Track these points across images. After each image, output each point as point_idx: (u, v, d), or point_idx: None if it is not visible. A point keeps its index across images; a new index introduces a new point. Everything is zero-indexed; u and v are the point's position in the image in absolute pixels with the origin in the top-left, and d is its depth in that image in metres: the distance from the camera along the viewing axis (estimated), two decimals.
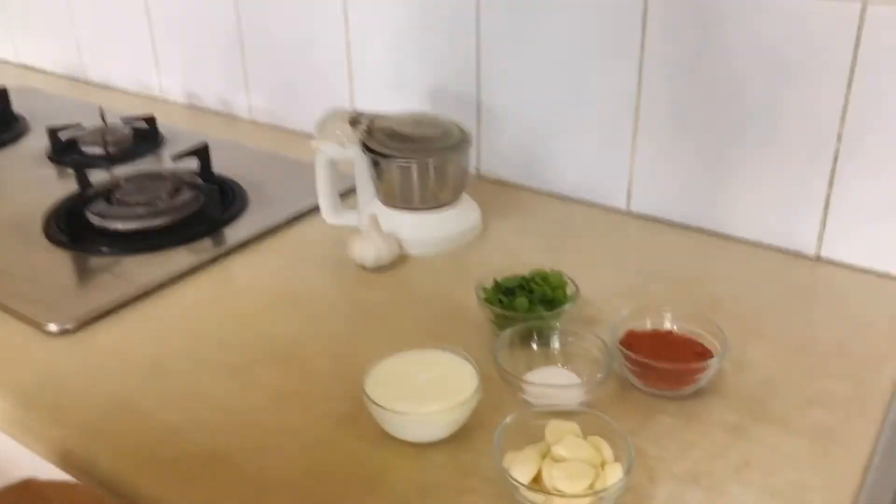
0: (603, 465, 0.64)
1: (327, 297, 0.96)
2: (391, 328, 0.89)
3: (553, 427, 0.67)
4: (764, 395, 0.77)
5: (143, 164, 1.32)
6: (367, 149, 1.03)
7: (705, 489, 0.66)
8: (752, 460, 0.69)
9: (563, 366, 0.79)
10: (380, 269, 1.00)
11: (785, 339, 0.86)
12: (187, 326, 0.90)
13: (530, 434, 0.68)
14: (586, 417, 0.68)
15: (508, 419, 0.67)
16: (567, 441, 0.64)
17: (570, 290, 0.86)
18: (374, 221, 0.99)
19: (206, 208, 1.11)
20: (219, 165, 1.24)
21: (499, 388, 0.76)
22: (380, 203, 1.06)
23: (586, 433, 0.67)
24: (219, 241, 1.07)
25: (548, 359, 0.80)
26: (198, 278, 1.00)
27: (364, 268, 0.99)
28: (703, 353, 0.78)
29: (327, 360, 0.84)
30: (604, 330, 0.82)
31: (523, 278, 0.87)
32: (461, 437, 0.72)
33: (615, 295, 0.94)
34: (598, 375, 0.73)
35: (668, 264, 1.01)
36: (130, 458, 0.72)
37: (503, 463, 0.64)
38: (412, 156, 1.01)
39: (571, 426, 0.66)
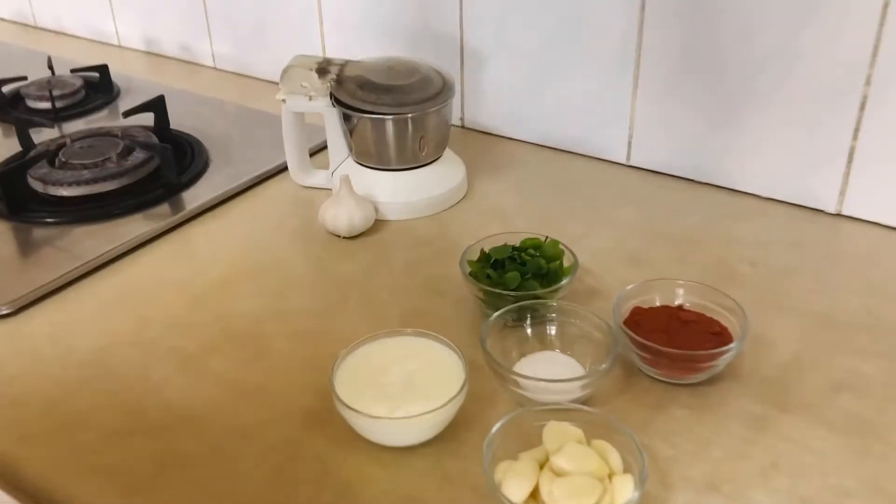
0: (611, 476, 0.55)
1: (295, 270, 0.85)
2: (366, 306, 0.79)
3: (552, 431, 0.58)
4: (788, 379, 0.68)
5: (95, 121, 1.20)
6: (336, 101, 0.92)
7: (727, 497, 0.58)
8: (779, 460, 0.61)
9: (561, 350, 0.70)
10: (354, 236, 0.89)
11: (807, 311, 0.76)
12: (138, 307, 0.80)
13: (526, 436, 0.59)
14: (589, 417, 0.59)
15: (498, 426, 0.58)
16: (568, 450, 0.55)
17: (567, 261, 0.77)
18: (347, 183, 0.88)
19: (161, 170, 1.00)
20: (178, 120, 1.12)
21: (489, 378, 0.67)
22: (353, 162, 0.95)
23: (590, 436, 0.58)
24: (176, 206, 0.96)
25: (544, 342, 0.71)
26: (151, 250, 0.89)
27: (337, 236, 0.89)
28: (720, 333, 0.69)
29: (294, 344, 0.74)
30: (606, 305, 0.73)
31: (514, 249, 0.77)
32: (446, 438, 0.63)
33: (618, 261, 0.84)
34: (602, 366, 0.64)
35: (675, 225, 0.91)
36: (64, 466, 0.62)
37: (495, 477, 0.55)
38: (387, 108, 0.89)
39: (573, 431, 0.57)
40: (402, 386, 0.62)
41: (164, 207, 0.95)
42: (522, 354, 0.69)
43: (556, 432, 0.57)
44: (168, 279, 0.84)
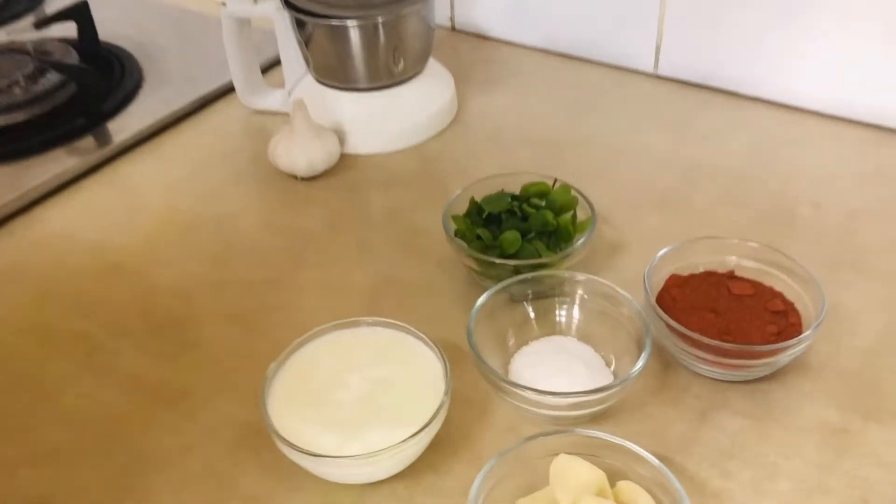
0: None
1: (239, 226, 0.68)
2: (326, 273, 0.62)
3: (562, 472, 0.42)
4: (875, 371, 0.52)
5: (13, 32, 1.00)
6: (286, 2, 0.72)
7: None
8: (870, 495, 0.45)
9: (576, 335, 0.54)
10: (314, 177, 0.72)
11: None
12: (38, 279, 0.63)
13: (527, 471, 0.43)
14: (612, 447, 0.43)
15: (485, 470, 0.42)
16: None
17: (583, 212, 0.59)
18: (302, 109, 0.70)
19: (82, 95, 0.81)
20: (108, 28, 0.93)
21: (481, 380, 0.51)
22: (312, 80, 0.76)
23: (614, 475, 0.42)
24: (101, 139, 0.78)
25: (552, 325, 0.54)
26: (62, 200, 0.72)
27: (293, 177, 0.71)
28: (784, 313, 0.52)
29: (230, 330, 0.58)
30: (633, 265, 0.57)
31: (514, 198, 0.59)
32: (421, 467, 0.47)
33: (646, 204, 0.67)
34: (632, 370, 0.47)
35: (716, 153, 0.72)
36: None
37: None
38: (350, 11, 0.70)
39: (591, 476, 0.41)
40: (360, 404, 0.46)
41: (86, 142, 0.77)
42: (525, 342, 0.53)
43: (568, 476, 0.41)
44: (79, 240, 0.67)
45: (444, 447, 0.48)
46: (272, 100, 0.79)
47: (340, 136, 0.73)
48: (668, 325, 0.50)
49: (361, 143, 0.74)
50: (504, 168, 0.64)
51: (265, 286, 0.61)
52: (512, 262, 0.54)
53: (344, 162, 0.73)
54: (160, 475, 0.48)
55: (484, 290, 0.53)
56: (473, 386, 0.51)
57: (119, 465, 0.49)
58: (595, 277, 0.53)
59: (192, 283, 0.62)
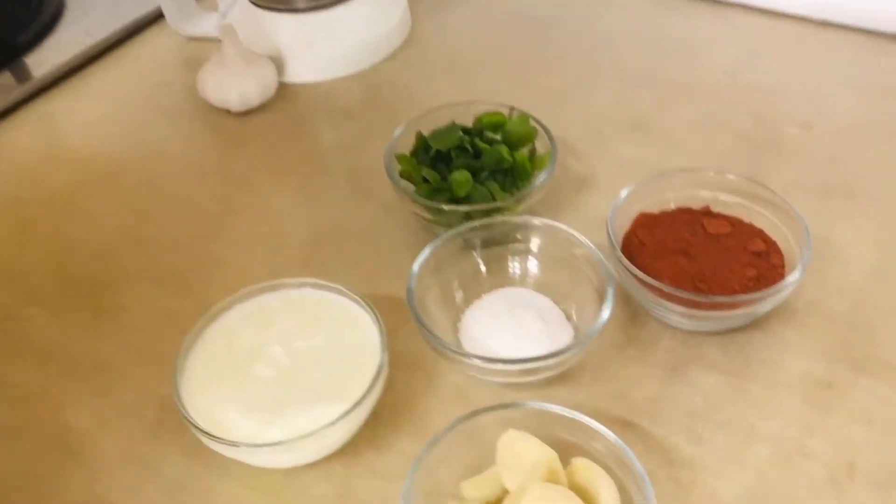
0: None
1: (166, 170, 0.61)
2: (260, 223, 0.56)
3: (510, 451, 0.37)
4: (865, 315, 0.47)
5: None
6: None
7: None
8: (857, 457, 0.40)
9: (531, 285, 0.48)
10: (248, 111, 0.65)
11: (891, 201, 0.53)
12: None
13: (476, 445, 0.38)
14: (565, 424, 0.38)
15: (422, 454, 0.37)
16: (534, 499, 0.34)
17: (543, 145, 0.53)
18: (231, 35, 0.62)
19: None
20: None
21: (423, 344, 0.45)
22: (247, 2, 0.69)
23: (568, 453, 0.38)
24: (18, 75, 0.71)
25: (506, 275, 0.48)
26: None
27: (226, 111, 0.65)
28: (765, 254, 0.47)
29: (154, 291, 0.52)
30: (600, 202, 0.51)
31: (465, 131, 0.52)
32: (359, 445, 0.42)
33: (617, 128, 0.61)
34: (590, 331, 0.42)
35: (694, 67, 0.65)
36: None
37: None
38: None
39: (541, 455, 0.36)
40: (283, 380, 0.40)
41: (1, 78, 0.70)
42: (477, 295, 0.48)
43: (516, 456, 0.37)
44: None
45: (385, 419, 0.43)
46: (206, 25, 0.72)
47: (279, 64, 0.66)
48: (634, 276, 0.45)
49: (302, 70, 0.67)
50: (463, 96, 0.58)
51: (195, 240, 0.55)
52: (462, 209, 0.48)
53: (283, 93, 0.66)
54: (72, 461, 0.43)
55: (436, 236, 0.47)
56: (421, 349, 0.46)
57: (29, 450, 0.44)
58: (551, 222, 0.47)
59: (113, 240, 0.56)
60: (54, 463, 0.43)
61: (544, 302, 0.47)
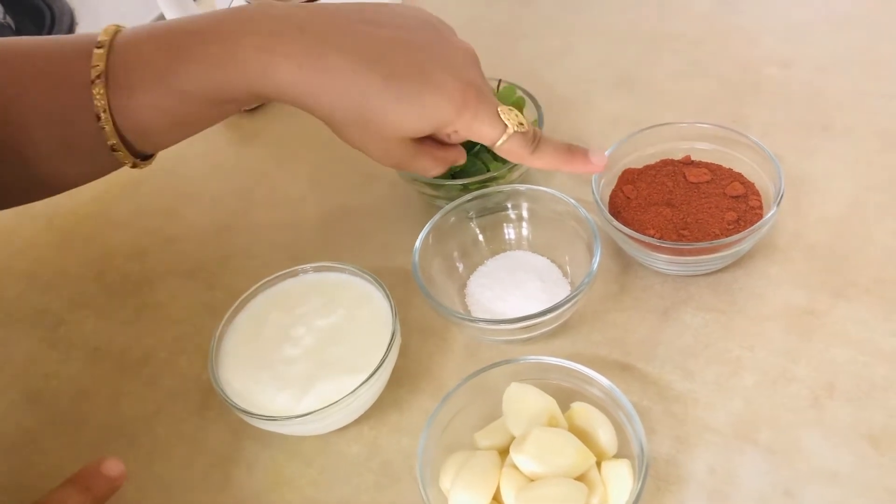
0: (599, 463, 0.39)
1: (185, 172, 0.66)
2: (275, 211, 0.60)
3: (514, 403, 0.41)
4: (843, 246, 0.50)
5: None
6: None
7: (769, 452, 0.41)
8: (836, 379, 0.44)
9: (528, 248, 0.52)
10: (257, 108, 0.69)
11: (871, 131, 0.56)
12: None
13: (486, 399, 0.43)
14: (563, 372, 0.42)
15: (434, 414, 0.41)
16: (535, 441, 0.38)
17: (531, 113, 0.56)
18: None
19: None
20: None
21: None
22: (244, 1, 0.72)
23: (568, 398, 0.42)
24: None
25: (503, 240, 0.52)
26: None
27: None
28: (744, 197, 0.50)
29: (185, 285, 0.57)
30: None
31: None
32: (384, 406, 0.47)
33: (605, 85, 0.64)
34: (580, 285, 0.45)
35: (677, 18, 0.67)
36: None
37: (443, 484, 0.40)
38: None
39: (541, 404, 0.40)
40: (309, 357, 0.45)
41: None
42: (481, 261, 0.52)
43: (519, 405, 0.41)
44: (26, 211, 0.65)
45: (405, 382, 0.48)
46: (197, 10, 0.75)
47: None
48: (622, 231, 0.48)
49: None
50: None
51: (220, 234, 0.60)
52: (458, 182, 0.52)
53: None
54: (130, 446, 0.49)
55: (439, 209, 0.51)
56: (431, 316, 0.50)
57: (91, 440, 0.49)
58: (536, 187, 0.50)
59: (146, 241, 0.61)
60: (114, 450, 0.49)
61: (541, 262, 0.51)
